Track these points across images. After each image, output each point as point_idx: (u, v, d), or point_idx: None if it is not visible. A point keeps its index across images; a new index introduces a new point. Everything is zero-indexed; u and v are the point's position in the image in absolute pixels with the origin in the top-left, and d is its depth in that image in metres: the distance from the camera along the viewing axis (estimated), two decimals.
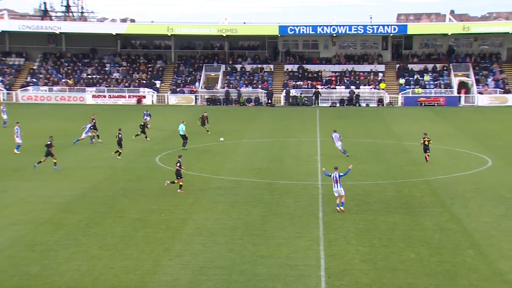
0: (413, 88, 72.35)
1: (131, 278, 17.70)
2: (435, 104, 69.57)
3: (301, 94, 72.75)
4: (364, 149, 40.02)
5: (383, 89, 72.69)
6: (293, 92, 72.85)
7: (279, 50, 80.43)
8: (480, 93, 70.78)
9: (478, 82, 72.34)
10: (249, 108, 69.98)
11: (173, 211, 24.66)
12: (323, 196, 27.09)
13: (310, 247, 20.25)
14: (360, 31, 74.42)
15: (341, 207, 24.60)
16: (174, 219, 23.56)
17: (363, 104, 71.07)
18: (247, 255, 19.54)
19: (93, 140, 41.85)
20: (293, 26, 74.78)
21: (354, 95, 71.48)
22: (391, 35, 76.00)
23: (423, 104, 69.60)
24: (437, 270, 18.00)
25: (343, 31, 74.52)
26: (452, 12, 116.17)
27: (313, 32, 75.12)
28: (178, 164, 28.02)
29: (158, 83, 76.67)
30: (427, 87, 72.92)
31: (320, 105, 70.99)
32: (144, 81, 76.53)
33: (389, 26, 74.60)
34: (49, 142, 33.30)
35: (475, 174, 31.58)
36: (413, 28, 76.91)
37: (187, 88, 75.26)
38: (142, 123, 43.99)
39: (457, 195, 27.11)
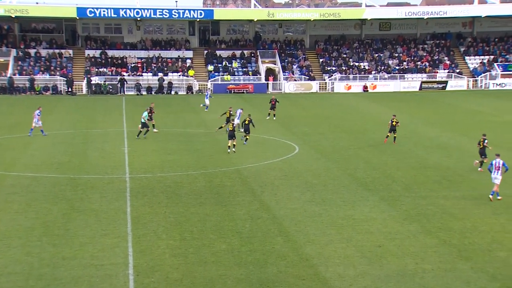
0: (222, 75, 74.32)
1: None
2: (244, 91, 72.18)
3: (105, 81, 71.13)
4: (175, 139, 40.33)
5: (191, 76, 73.69)
6: (96, 80, 70.97)
7: (79, 34, 77.73)
8: (286, 79, 74.86)
9: (284, 69, 76.41)
10: (47, 97, 66.82)
11: None
12: (131, 190, 26.86)
13: (118, 244, 19.99)
14: (166, 15, 74.57)
15: (494, 196, 25.05)
16: None
17: (172, 92, 71.48)
18: (47, 257, 18.75)
19: (155, 129, 41.56)
20: (93, 8, 72.65)
21: (163, 82, 71.57)
22: (198, 20, 77.23)
23: (232, 92, 71.81)
24: (247, 260, 18.77)
25: (148, 15, 74.15)
26: None
27: (115, 15, 73.73)
28: None
29: None
30: (236, 74, 75.35)
31: (126, 93, 70.02)
32: None
33: (195, 11, 75.74)
34: None
35: (283, 161, 33.36)
36: (220, 13, 79.05)
37: None
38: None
39: (267, 183, 28.44)
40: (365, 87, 74.44)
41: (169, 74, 73.85)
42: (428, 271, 17.97)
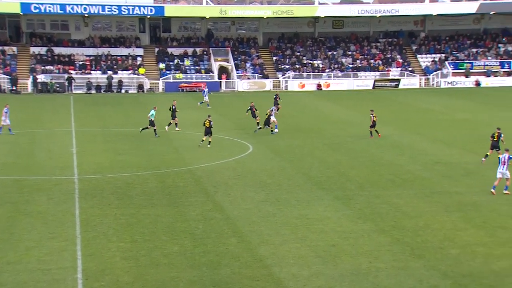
0: (173, 73, 73.88)
1: None
2: (197, 90, 71.85)
3: (51, 80, 69.86)
4: (125, 138, 39.93)
5: (142, 74, 73.04)
6: (42, 78, 69.64)
7: (23, 30, 76.07)
8: (240, 78, 74.89)
9: (237, 67, 76.43)
10: None
11: None
12: (80, 192, 26.48)
13: (65, 248, 19.68)
14: (115, 11, 73.62)
15: (505, 191, 25.76)
16: None
17: (122, 90, 70.69)
18: None
19: (177, 128, 42.70)
20: (38, 3, 71.01)
21: (112, 80, 70.76)
22: (148, 17, 76.56)
23: (184, 90, 71.47)
24: (200, 261, 18.72)
25: (96, 11, 73.05)
26: None
27: (62, 11, 72.33)
28: None
29: None
30: (188, 72, 75.00)
31: (74, 91, 68.94)
32: None
33: (146, 7, 74.94)
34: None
35: (237, 161, 33.39)
36: (171, 10, 78.22)
37: None
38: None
39: (221, 182, 28.42)
40: (318, 86, 75.07)
41: (119, 72, 72.99)
42: (382, 269, 18.25)
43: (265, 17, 79.42)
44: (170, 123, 42.61)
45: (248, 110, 45.68)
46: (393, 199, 25.81)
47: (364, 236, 21.13)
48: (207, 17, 78.58)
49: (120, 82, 71.04)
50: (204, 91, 58.32)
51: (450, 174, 30.34)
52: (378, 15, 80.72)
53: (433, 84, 77.70)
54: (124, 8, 74.08)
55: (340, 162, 33.17)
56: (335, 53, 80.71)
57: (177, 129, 42.60)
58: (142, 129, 40.78)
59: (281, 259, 18.99)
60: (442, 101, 62.25)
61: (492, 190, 26.24)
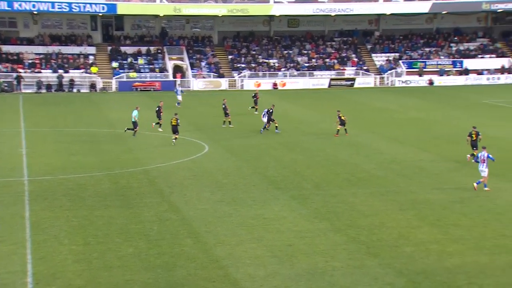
0: (127, 72, 73.13)
1: None
2: (151, 89, 71.34)
3: None
4: (77, 139, 39.38)
5: (95, 73, 72.08)
6: None
7: None
8: (195, 77, 74.59)
9: (192, 66, 76.10)
10: None
11: None
12: (30, 193, 26.03)
13: (15, 251, 19.32)
14: (65, 9, 72.32)
15: (485, 188, 26.41)
16: None
17: (74, 90, 69.62)
18: None
19: (161, 128, 41.78)
20: None
21: (63, 79, 69.64)
22: (100, 14, 75.58)
23: (138, 89, 70.84)
24: (155, 263, 18.59)
25: (46, 9, 71.72)
26: None
27: (9, 8, 70.76)
28: None
29: None
30: (141, 71, 74.33)
31: (23, 91, 67.61)
32: None
33: (97, 5, 73.75)
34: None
35: (192, 161, 33.27)
36: (123, 8, 77.11)
37: None
38: None
39: (176, 183, 28.28)
40: (274, 85, 75.34)
41: (70, 71, 71.84)
42: (338, 268, 18.42)
43: (220, 15, 79.28)
44: (160, 124, 42.25)
45: (223, 107, 45.55)
46: (348, 198, 26.09)
47: (320, 236, 21.30)
48: (161, 15, 78.00)
49: (71, 81, 69.96)
50: (177, 90, 58.31)
51: (405, 172, 30.83)
52: (333, 14, 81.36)
53: (387, 83, 78.76)
54: (75, 5, 72.82)
55: (296, 161, 33.36)
56: (290, 52, 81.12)
57: (160, 129, 41.97)
58: (127, 129, 40.40)
59: (238, 259, 19.00)
60: (396, 100, 63.20)
61: (475, 184, 26.88)
